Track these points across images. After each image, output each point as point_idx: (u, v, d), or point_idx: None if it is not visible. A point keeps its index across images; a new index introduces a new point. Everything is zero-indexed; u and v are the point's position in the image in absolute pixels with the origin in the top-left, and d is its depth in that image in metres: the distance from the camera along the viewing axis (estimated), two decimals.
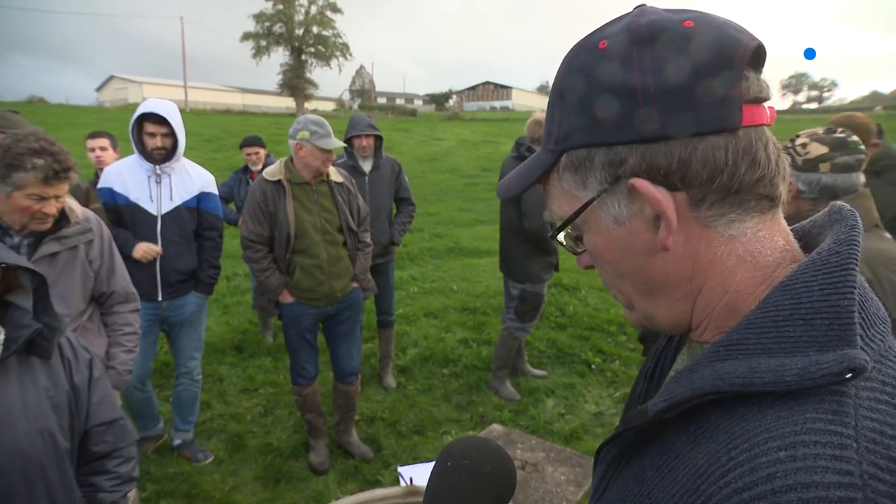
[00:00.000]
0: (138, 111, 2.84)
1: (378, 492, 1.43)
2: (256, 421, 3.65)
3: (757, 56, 0.51)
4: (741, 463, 0.41)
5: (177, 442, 3.31)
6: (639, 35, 0.50)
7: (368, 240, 3.16)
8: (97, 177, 3.49)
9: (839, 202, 0.57)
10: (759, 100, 0.51)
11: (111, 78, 61.01)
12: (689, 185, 0.50)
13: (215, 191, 3.14)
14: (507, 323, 3.98)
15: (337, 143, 2.82)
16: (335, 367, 3.24)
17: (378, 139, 3.89)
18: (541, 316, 5.35)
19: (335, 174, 3.02)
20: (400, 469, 2.26)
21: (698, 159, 0.49)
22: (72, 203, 2.04)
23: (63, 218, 1.99)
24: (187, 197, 2.98)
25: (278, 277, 2.92)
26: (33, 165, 1.77)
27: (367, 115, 4.01)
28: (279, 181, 2.87)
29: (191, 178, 3.01)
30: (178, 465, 3.16)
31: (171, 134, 2.86)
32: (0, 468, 1.14)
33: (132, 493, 2.13)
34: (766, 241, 0.52)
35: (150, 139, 2.84)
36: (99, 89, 62.27)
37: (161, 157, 2.87)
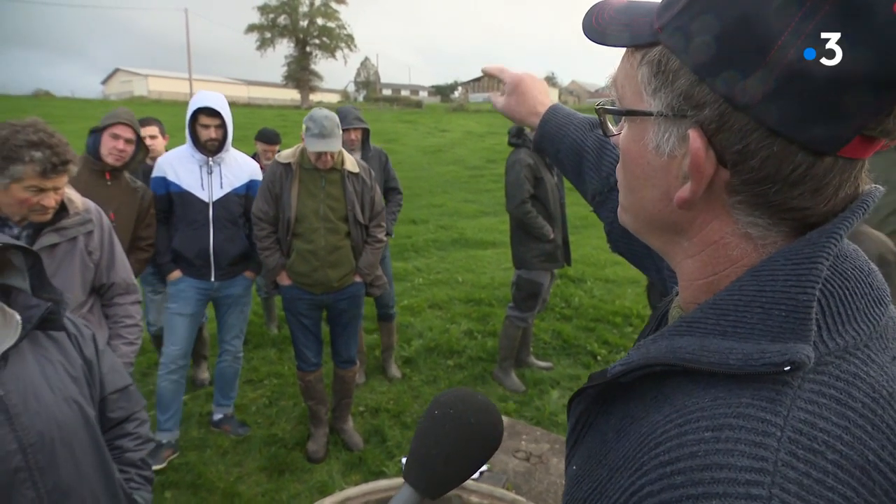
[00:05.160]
0: (194, 105, 3.01)
1: (382, 483, 1.43)
2: (261, 412, 3.66)
3: None
4: (672, 437, 0.43)
5: (217, 416, 3.45)
6: None
7: (381, 236, 3.14)
8: (150, 164, 3.56)
9: (876, 186, 0.50)
10: (879, 139, 0.44)
11: (116, 71, 61.01)
12: (735, 173, 0.46)
13: (260, 177, 3.32)
14: (509, 312, 3.98)
15: (320, 147, 2.79)
16: (333, 353, 3.31)
17: (365, 132, 3.92)
18: (546, 307, 5.34)
19: (351, 164, 3.02)
20: (404, 460, 2.26)
21: (762, 158, 0.44)
22: (71, 194, 2.02)
23: (62, 209, 1.97)
24: (237, 184, 3.18)
25: (277, 258, 3.00)
26: (31, 158, 1.76)
27: (355, 107, 4.04)
28: (289, 164, 2.94)
29: (240, 167, 3.22)
30: (183, 455, 3.16)
31: (223, 125, 3.04)
32: (42, 436, 1.20)
33: None
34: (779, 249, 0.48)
35: (204, 130, 3.04)
36: (104, 82, 62.33)
37: (214, 147, 3.07)
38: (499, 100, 1.07)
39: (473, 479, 2.16)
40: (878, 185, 0.50)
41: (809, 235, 0.46)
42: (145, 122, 3.69)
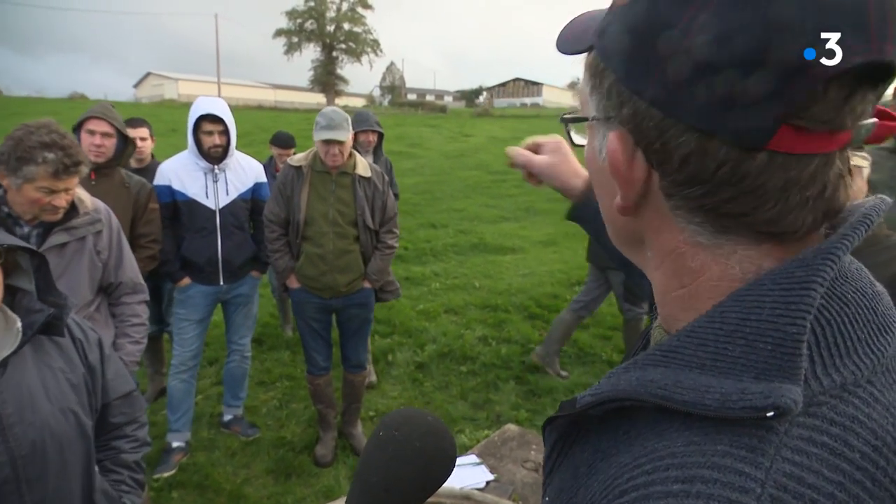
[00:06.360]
0: (196, 112, 2.99)
1: None
2: (271, 414, 3.66)
3: (881, 67, 0.36)
4: (638, 486, 0.39)
5: (227, 417, 3.46)
6: None
7: (392, 242, 3.13)
8: (139, 165, 3.55)
9: (882, 197, 0.46)
10: (817, 129, 0.38)
11: (148, 75, 62.29)
12: (662, 174, 0.42)
13: (265, 179, 3.33)
14: (634, 314, 4.00)
15: (326, 135, 2.79)
16: (343, 358, 3.30)
17: (380, 136, 4.09)
18: None
19: (363, 168, 3.01)
20: None
21: (681, 155, 0.40)
22: (81, 194, 2.05)
23: (72, 209, 2.00)
24: (243, 189, 3.17)
25: (286, 261, 3.01)
26: (44, 159, 1.78)
27: (372, 112, 4.23)
28: (300, 167, 2.95)
29: (244, 172, 3.20)
30: (192, 455, 3.18)
31: (226, 131, 3.03)
32: (34, 447, 1.19)
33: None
34: (748, 265, 0.43)
35: (208, 137, 3.00)
36: (136, 85, 63.72)
37: (218, 154, 3.03)
38: (540, 158, 0.96)
39: (479, 489, 2.12)
40: (883, 196, 0.45)
41: (803, 255, 0.41)
42: (136, 122, 3.62)
